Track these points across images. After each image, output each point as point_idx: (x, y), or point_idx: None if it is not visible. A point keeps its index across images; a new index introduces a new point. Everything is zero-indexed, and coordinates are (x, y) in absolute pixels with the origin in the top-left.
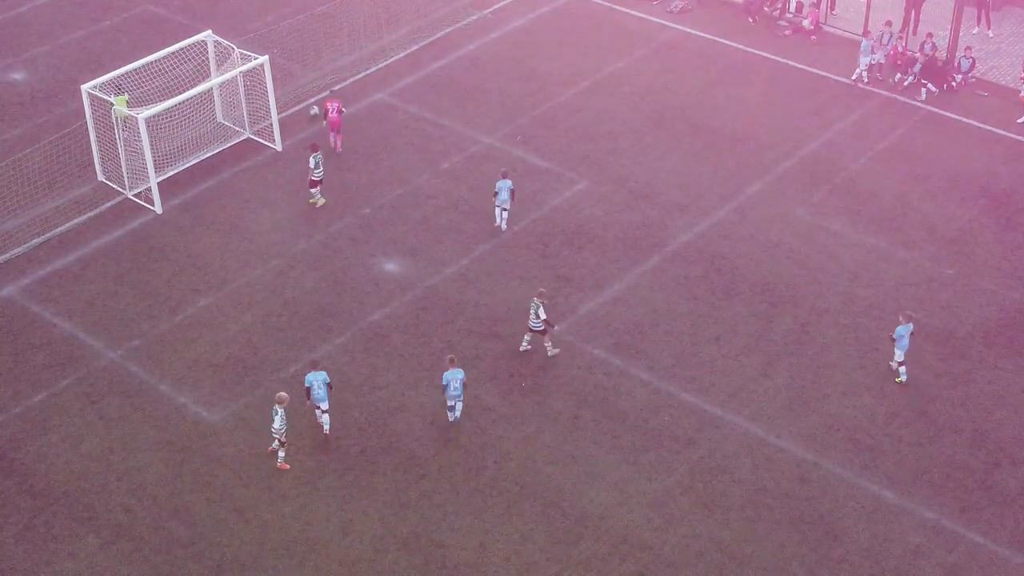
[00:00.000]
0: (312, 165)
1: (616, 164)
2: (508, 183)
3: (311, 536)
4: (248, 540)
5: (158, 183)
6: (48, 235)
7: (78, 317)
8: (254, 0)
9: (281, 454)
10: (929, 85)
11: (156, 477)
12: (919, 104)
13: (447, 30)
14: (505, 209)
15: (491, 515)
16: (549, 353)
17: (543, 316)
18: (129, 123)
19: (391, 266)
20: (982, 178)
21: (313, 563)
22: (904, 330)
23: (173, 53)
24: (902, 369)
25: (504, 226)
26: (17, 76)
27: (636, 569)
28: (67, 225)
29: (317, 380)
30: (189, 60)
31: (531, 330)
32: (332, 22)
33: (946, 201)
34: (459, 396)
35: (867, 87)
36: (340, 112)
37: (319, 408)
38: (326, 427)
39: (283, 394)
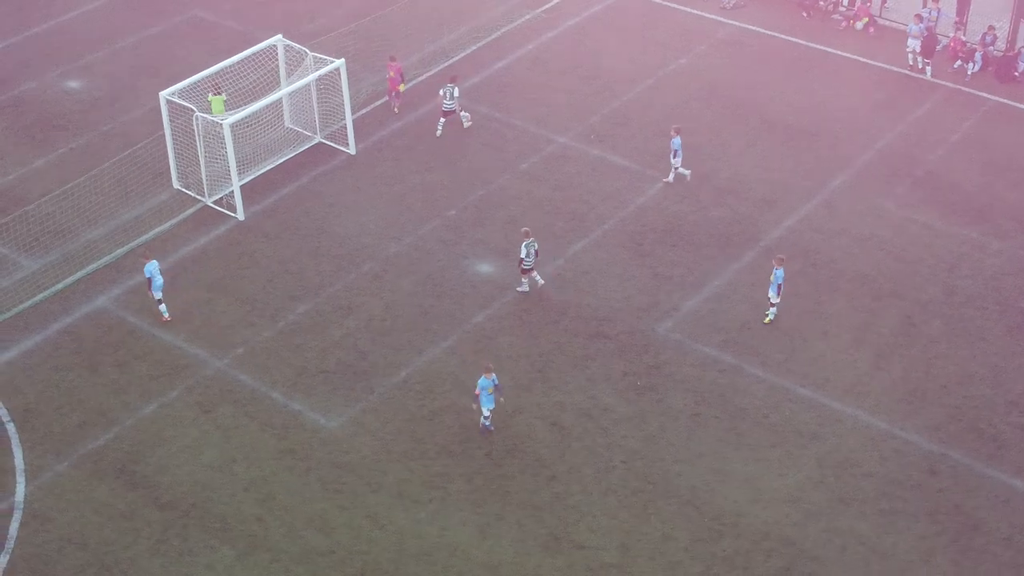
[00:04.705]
0: (442, 94)
1: (696, 160)
2: (678, 140)
3: (450, 541)
4: (387, 546)
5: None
6: (132, 244)
7: (176, 326)
8: (305, 4)
9: None
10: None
11: (283, 486)
12: (985, 95)
13: (503, 30)
14: (676, 168)
15: (628, 515)
16: (519, 288)
17: (523, 255)
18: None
19: (485, 267)
20: None
21: (457, 568)
22: (779, 275)
23: (242, 59)
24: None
25: (671, 178)
26: (74, 84)
27: (782, 565)
28: (151, 233)
29: (153, 268)
30: (258, 66)
31: (525, 270)
32: (387, 25)
33: None
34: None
35: (933, 80)
36: (401, 75)
37: (156, 297)
38: (165, 315)
39: None
